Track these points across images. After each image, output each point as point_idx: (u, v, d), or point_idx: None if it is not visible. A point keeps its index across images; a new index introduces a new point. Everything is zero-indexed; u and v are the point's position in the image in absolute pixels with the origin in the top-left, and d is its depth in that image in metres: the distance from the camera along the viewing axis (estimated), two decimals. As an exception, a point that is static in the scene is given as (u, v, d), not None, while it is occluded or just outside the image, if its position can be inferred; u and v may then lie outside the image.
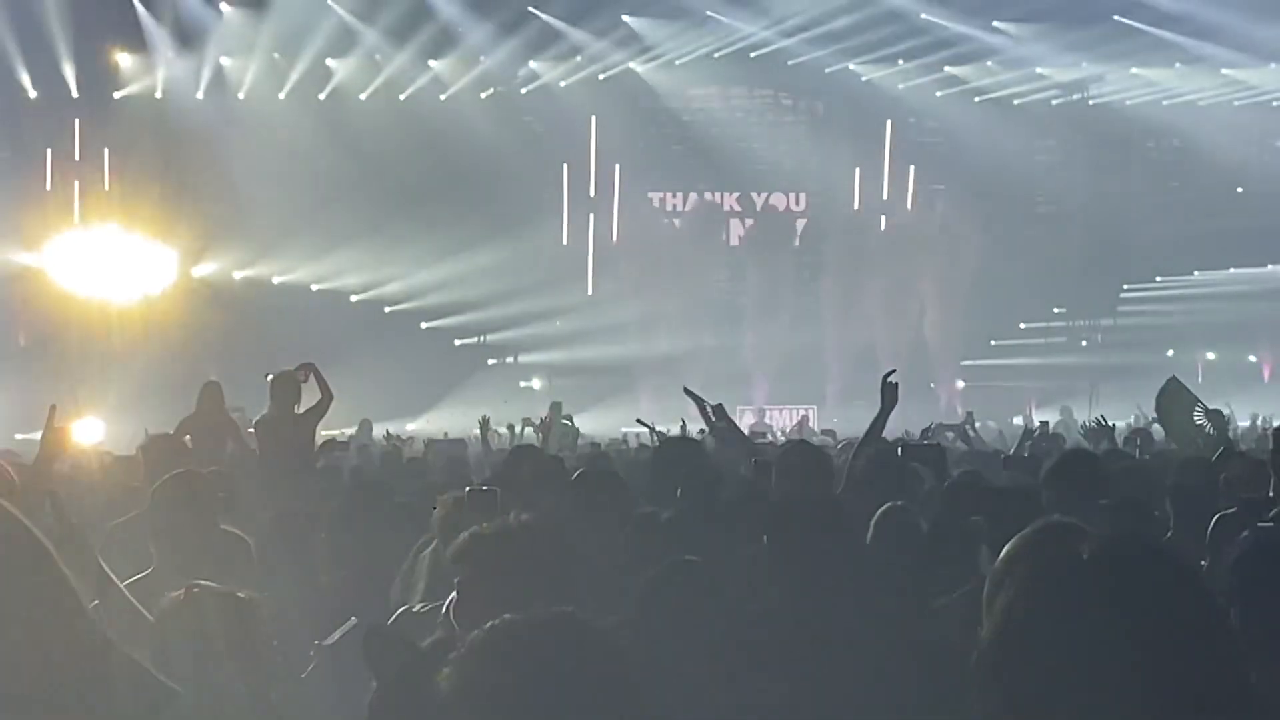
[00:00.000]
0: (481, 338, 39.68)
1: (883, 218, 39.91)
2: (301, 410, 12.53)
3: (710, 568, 5.13)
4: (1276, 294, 36.86)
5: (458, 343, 39.17)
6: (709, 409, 10.68)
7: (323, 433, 12.72)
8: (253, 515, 7.59)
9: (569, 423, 21.81)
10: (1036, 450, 13.38)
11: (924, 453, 9.08)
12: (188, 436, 11.98)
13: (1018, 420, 23.39)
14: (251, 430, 13.37)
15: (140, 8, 35.43)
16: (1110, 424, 14.92)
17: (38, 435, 7.01)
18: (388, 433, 22.30)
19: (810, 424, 31.85)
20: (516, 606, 3.74)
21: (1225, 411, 14.02)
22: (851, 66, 37.51)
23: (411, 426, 30.51)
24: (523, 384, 38.23)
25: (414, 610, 5.69)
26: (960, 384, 38.30)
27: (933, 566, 6.06)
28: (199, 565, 5.32)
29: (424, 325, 38.69)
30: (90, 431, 19.06)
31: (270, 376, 12.88)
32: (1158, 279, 38.97)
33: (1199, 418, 12.75)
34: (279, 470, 10.61)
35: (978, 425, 20.05)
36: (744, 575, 5.50)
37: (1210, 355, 36.81)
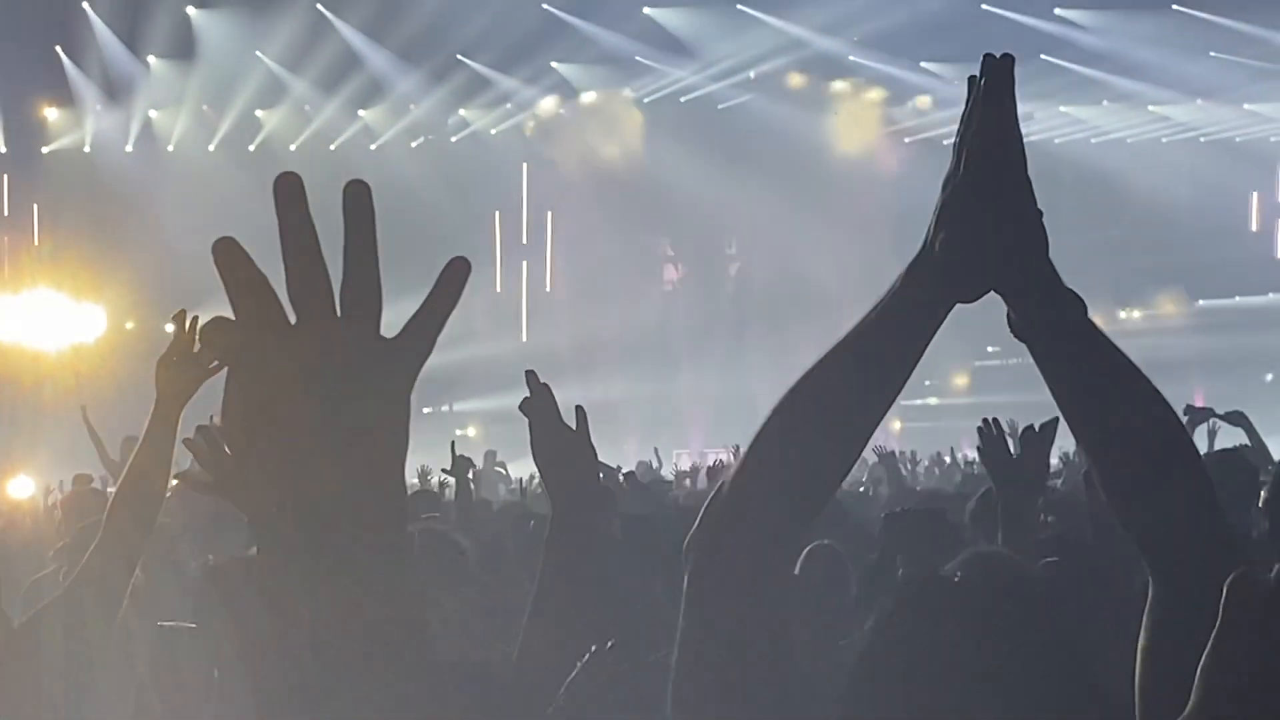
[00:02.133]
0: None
1: (812, 259, 39.90)
2: None
3: None
4: (1206, 328, 37.06)
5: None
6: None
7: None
8: (184, 564, 7.51)
9: (503, 470, 21.75)
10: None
11: None
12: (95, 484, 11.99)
13: (947, 458, 23.32)
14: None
15: (67, 61, 35.21)
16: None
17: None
18: None
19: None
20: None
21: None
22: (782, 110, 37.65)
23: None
24: (458, 432, 38.05)
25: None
26: (897, 425, 38.22)
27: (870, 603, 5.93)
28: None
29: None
30: (23, 488, 18.89)
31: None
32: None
33: None
34: (207, 519, 10.49)
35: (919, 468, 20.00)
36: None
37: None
